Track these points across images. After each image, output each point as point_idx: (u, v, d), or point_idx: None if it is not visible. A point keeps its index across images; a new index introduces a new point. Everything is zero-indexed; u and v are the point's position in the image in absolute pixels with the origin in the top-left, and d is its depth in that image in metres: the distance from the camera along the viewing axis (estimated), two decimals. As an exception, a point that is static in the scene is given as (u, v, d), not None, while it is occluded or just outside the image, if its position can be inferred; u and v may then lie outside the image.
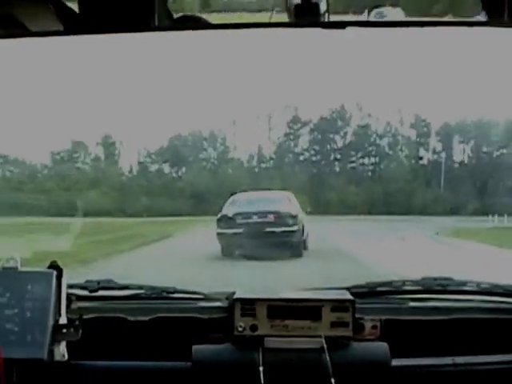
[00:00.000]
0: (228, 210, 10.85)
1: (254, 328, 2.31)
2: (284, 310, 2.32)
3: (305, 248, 10.86)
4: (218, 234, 10.47)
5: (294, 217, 10.76)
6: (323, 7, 2.52)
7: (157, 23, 2.30)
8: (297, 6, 2.49)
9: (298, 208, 11.29)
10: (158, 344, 2.35)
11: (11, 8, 2.17)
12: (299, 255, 10.39)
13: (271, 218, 10.69)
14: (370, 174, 15.47)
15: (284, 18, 2.63)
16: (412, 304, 2.54)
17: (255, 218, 10.70)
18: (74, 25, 2.31)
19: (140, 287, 2.56)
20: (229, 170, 15.45)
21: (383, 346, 2.30)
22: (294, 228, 10.65)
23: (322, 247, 11.32)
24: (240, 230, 10.43)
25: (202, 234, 11.56)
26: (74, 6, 2.30)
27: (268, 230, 10.50)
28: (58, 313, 2.17)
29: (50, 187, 13.63)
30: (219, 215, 10.73)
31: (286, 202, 11.25)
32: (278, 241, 10.34)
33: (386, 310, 2.48)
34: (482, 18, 2.43)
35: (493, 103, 11.96)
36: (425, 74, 11.02)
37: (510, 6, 2.27)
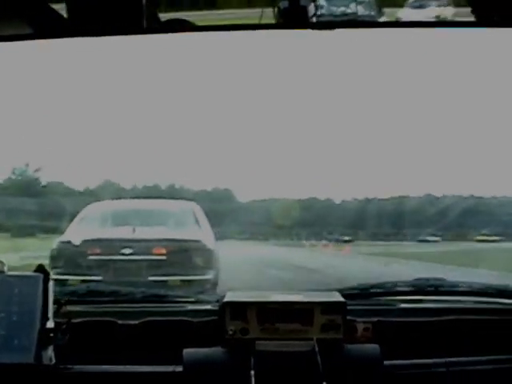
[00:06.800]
0: (76, 232, 5.82)
1: (244, 331, 2.29)
2: (274, 313, 2.31)
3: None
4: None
5: (209, 252, 5.82)
6: (311, 10, 2.55)
7: (144, 26, 2.31)
8: (285, 9, 2.51)
9: (210, 233, 6.34)
10: (149, 347, 2.34)
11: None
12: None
13: (161, 252, 5.75)
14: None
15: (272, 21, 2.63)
16: (404, 305, 2.54)
17: (128, 253, 5.70)
18: (61, 29, 2.32)
19: (130, 291, 2.56)
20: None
21: (375, 347, 2.28)
22: (207, 275, 5.70)
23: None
24: (95, 277, 5.45)
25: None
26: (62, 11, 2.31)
27: (153, 278, 5.63)
28: (45, 317, 2.16)
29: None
30: (57, 242, 5.75)
31: (191, 220, 6.35)
32: None
33: (377, 311, 2.47)
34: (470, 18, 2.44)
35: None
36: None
37: (498, 7, 2.28)
